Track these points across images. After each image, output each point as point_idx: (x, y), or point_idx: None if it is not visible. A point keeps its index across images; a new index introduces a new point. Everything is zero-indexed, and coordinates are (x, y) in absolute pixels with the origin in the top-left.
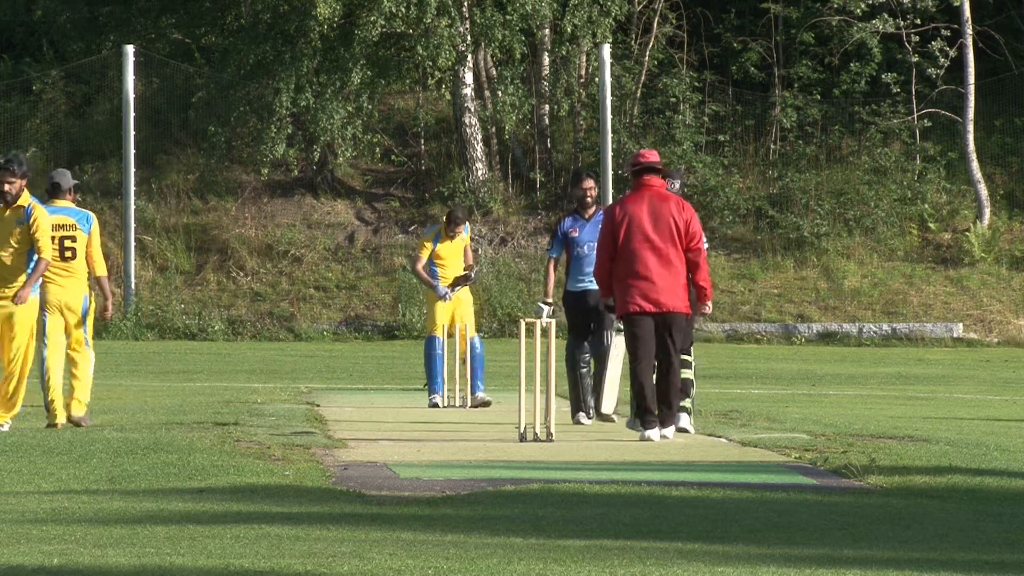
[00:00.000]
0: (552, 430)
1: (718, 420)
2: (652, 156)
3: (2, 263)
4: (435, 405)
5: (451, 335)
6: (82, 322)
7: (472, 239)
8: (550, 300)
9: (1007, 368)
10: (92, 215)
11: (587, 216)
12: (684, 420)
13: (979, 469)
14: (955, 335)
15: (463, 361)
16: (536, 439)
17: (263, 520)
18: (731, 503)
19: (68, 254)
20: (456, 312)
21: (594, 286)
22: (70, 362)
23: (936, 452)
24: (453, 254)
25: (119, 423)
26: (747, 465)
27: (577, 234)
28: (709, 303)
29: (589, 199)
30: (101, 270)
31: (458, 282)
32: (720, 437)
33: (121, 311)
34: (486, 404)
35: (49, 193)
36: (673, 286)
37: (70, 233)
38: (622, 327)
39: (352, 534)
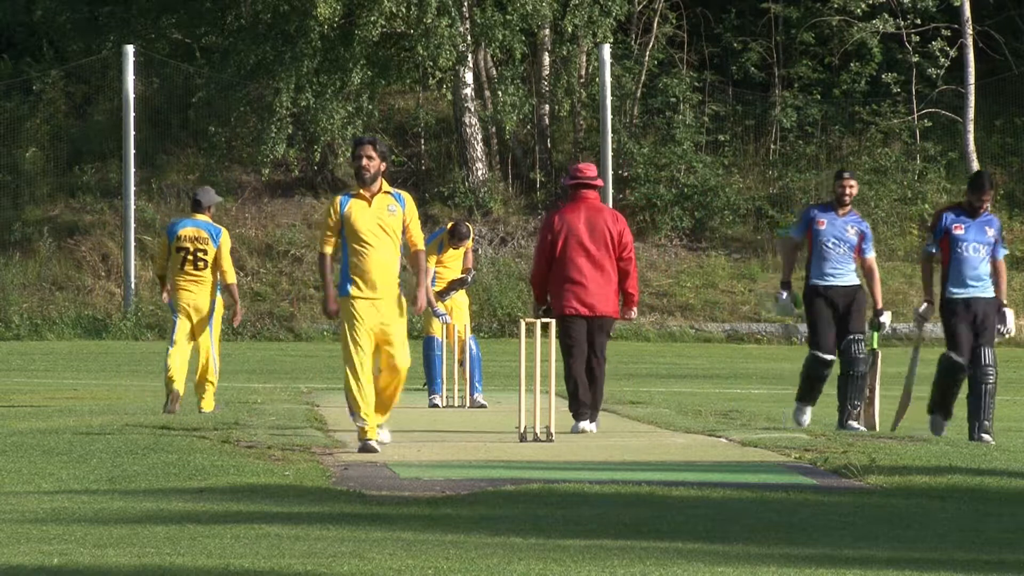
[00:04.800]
0: (552, 430)
1: (718, 420)
2: (590, 171)
3: (376, 258)
4: (435, 406)
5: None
6: (207, 323)
7: (473, 239)
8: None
9: (1007, 368)
10: (223, 230)
11: (841, 213)
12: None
13: (979, 469)
14: None
15: (460, 363)
16: (536, 439)
17: (263, 520)
18: (731, 503)
19: (200, 264)
20: (452, 314)
21: (837, 282)
22: (202, 368)
23: (936, 452)
24: (455, 259)
25: (119, 423)
26: (747, 465)
27: (824, 226)
28: (635, 309)
29: (848, 196)
30: (231, 278)
31: (453, 286)
32: (720, 437)
33: (121, 311)
34: (481, 407)
35: (192, 208)
36: (606, 292)
37: (203, 246)
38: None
39: (352, 534)
